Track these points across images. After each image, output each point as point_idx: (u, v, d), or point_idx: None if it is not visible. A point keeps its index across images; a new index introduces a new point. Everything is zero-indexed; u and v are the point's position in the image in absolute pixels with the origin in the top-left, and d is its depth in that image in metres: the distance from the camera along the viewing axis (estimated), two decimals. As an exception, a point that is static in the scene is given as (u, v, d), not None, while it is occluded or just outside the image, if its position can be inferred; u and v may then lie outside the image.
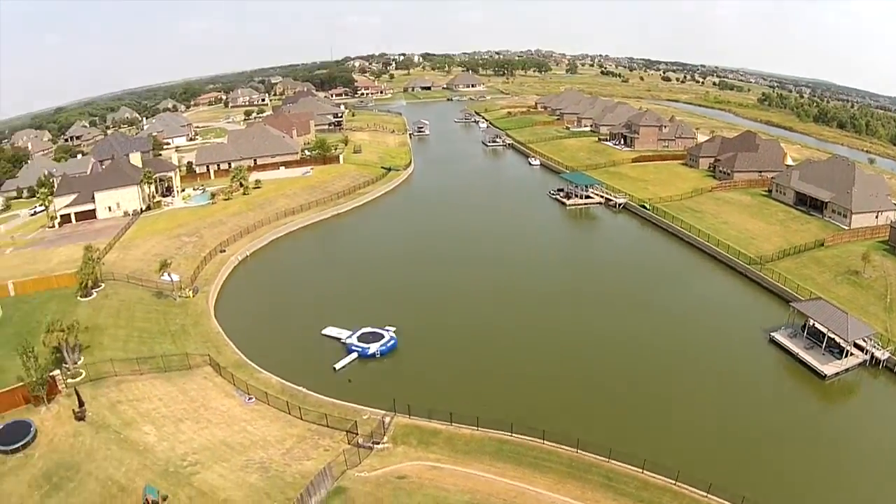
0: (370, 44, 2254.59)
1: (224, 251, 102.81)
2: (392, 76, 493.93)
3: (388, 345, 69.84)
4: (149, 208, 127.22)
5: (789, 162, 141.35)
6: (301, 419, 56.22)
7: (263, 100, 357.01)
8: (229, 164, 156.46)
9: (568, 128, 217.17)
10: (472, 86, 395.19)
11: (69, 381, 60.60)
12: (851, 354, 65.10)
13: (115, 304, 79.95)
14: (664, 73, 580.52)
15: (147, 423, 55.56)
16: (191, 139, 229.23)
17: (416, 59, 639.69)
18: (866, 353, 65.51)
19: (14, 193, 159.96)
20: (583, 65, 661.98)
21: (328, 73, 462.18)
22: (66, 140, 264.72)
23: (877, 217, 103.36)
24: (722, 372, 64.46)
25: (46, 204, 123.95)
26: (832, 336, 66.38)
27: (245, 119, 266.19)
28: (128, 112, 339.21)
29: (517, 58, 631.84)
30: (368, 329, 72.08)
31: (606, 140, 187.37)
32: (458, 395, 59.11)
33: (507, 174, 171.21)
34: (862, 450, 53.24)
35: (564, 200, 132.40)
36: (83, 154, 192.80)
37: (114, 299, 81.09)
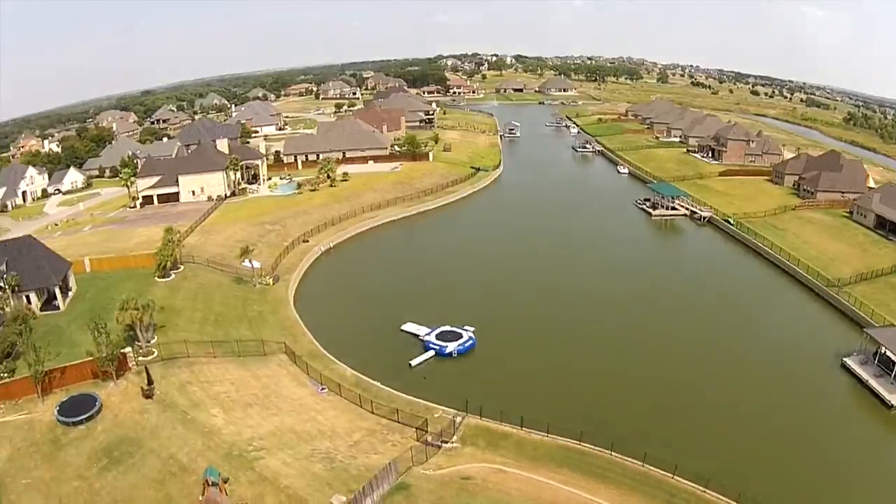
0: (461, 43, 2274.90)
1: (307, 241, 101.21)
2: (484, 76, 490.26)
3: (466, 345, 68.37)
4: (233, 194, 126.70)
5: (871, 184, 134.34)
6: (372, 413, 55.17)
7: (354, 93, 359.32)
8: (318, 155, 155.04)
9: (657, 137, 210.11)
10: (564, 90, 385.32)
11: (140, 359, 59.27)
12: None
13: (193, 286, 78.41)
14: (753, 86, 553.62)
15: (215, 405, 54.10)
16: (280, 129, 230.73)
17: (508, 60, 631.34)
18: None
19: (96, 172, 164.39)
20: (673, 74, 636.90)
21: (420, 70, 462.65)
22: (153, 123, 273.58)
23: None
24: (790, 394, 62.31)
25: (129, 184, 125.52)
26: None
27: (336, 112, 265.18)
28: (216, 98, 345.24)
29: (609, 64, 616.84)
30: (447, 328, 70.92)
31: (694, 152, 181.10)
32: (532, 400, 57.73)
33: (595, 181, 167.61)
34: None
35: (650, 210, 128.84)
36: (169, 137, 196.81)
37: (192, 282, 79.61)
